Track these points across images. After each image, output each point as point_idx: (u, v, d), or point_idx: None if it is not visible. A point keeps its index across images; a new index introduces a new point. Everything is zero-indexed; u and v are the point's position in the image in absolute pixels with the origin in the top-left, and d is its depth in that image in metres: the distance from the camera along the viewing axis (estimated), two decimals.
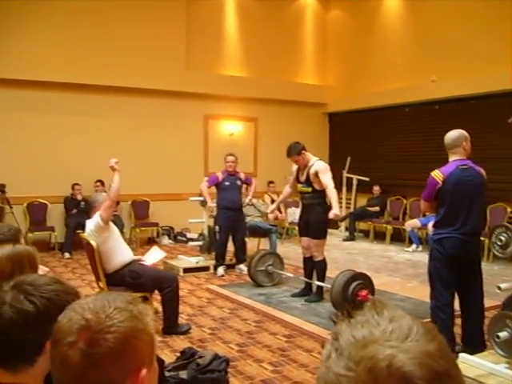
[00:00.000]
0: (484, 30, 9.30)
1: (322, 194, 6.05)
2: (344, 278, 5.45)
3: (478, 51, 9.40)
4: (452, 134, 4.38)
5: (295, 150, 6.14)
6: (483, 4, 9.32)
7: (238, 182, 7.95)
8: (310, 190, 6.10)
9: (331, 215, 5.93)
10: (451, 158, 4.36)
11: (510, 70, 8.80)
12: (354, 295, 5.35)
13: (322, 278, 6.18)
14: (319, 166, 6.05)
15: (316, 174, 6.01)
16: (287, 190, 6.69)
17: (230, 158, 7.92)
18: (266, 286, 6.86)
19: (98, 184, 9.73)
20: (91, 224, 4.93)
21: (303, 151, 6.14)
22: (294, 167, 6.39)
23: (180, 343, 4.78)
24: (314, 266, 6.26)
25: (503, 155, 8.93)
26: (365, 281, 5.53)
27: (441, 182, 4.24)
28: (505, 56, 8.96)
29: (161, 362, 3.51)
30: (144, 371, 1.00)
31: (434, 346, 0.72)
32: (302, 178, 6.19)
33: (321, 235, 6.15)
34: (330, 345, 0.75)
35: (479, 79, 9.22)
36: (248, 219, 8.59)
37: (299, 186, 6.32)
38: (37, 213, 9.69)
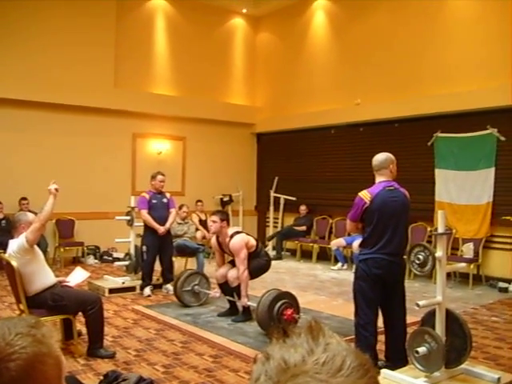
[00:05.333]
0: (406, 55, 9.72)
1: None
2: (269, 297, 5.48)
3: (400, 76, 9.80)
4: (380, 157, 4.52)
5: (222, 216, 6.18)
6: (405, 30, 9.75)
7: (165, 200, 7.87)
8: None
9: (241, 304, 6.11)
10: (378, 179, 4.49)
11: (430, 94, 9.23)
12: (280, 314, 5.39)
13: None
14: (235, 248, 6.05)
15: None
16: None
17: (162, 178, 7.82)
18: (192, 306, 6.81)
19: (25, 202, 9.43)
20: (14, 245, 4.75)
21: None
22: (213, 240, 6.40)
23: (104, 366, 4.66)
24: (233, 289, 6.27)
25: (424, 176, 9.32)
26: (290, 300, 5.58)
27: (368, 202, 4.34)
28: (425, 82, 9.39)
29: None
30: None
31: (363, 382, 0.71)
32: (227, 250, 6.26)
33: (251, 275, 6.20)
34: (261, 364, 0.74)
35: (402, 103, 9.62)
36: (178, 240, 8.57)
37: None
38: None
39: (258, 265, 6.21)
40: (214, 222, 6.11)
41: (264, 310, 5.41)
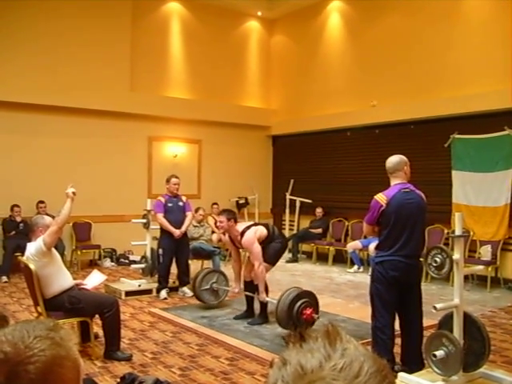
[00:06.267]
0: (422, 57, 9.67)
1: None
2: (290, 296, 5.45)
3: (415, 78, 9.75)
4: (393, 159, 4.50)
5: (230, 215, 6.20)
6: (421, 32, 9.70)
7: (181, 203, 7.91)
8: None
9: (260, 299, 6.10)
10: (393, 182, 4.48)
11: (446, 96, 9.16)
12: (299, 313, 5.36)
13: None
14: (246, 245, 6.07)
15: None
16: (236, 266, 6.57)
17: (176, 180, 7.88)
18: (209, 309, 6.81)
19: (43, 205, 9.51)
20: (32, 247, 4.80)
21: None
22: (226, 237, 6.41)
23: (121, 368, 4.68)
24: (255, 287, 6.26)
25: (440, 178, 9.24)
26: (310, 299, 5.53)
27: (384, 204, 4.33)
28: (442, 83, 9.33)
29: None
30: None
31: None
32: (239, 245, 6.27)
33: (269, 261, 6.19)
34: (277, 369, 0.73)
35: (418, 105, 9.56)
36: (194, 243, 8.58)
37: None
38: None
39: (273, 251, 6.19)
40: (221, 222, 6.14)
41: (284, 308, 5.38)
